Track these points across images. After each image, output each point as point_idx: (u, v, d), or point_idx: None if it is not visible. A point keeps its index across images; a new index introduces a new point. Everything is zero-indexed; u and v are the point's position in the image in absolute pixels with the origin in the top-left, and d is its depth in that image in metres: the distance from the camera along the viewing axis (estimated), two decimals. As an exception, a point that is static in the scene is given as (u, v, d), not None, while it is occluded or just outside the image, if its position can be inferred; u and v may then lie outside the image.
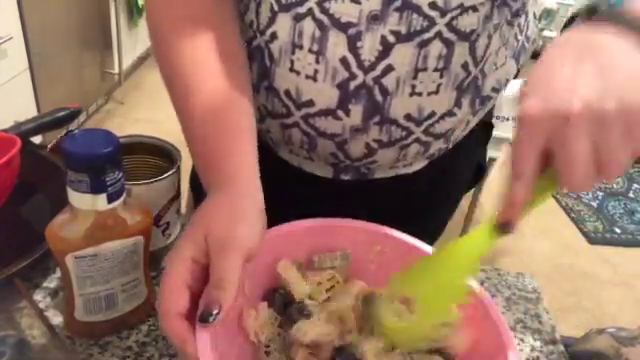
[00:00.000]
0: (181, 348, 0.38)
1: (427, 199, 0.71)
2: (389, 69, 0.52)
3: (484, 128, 0.72)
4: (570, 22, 0.45)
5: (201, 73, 0.51)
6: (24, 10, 1.74)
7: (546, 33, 4.07)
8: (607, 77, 0.36)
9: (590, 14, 0.41)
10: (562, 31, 0.44)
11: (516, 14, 0.57)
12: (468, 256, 0.44)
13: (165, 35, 0.52)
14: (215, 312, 0.38)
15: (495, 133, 0.79)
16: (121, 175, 0.42)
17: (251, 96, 0.53)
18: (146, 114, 2.64)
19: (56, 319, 0.50)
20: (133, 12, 2.67)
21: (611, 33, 0.39)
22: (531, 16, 0.62)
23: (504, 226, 0.41)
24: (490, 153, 1.74)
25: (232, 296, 0.39)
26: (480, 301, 0.47)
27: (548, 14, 3.96)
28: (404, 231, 0.53)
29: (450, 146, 0.64)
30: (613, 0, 0.40)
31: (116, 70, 2.60)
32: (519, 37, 0.60)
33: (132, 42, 2.76)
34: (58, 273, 0.55)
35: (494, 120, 0.76)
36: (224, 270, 0.39)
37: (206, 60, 0.51)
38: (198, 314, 0.38)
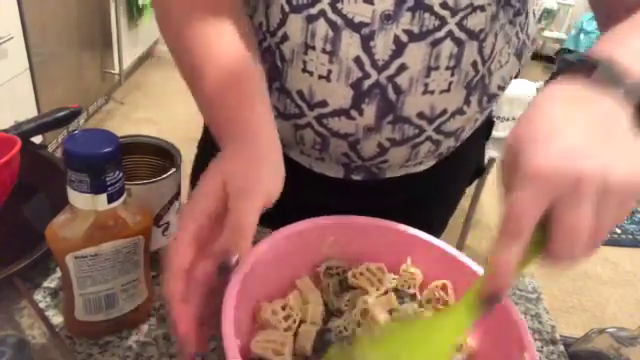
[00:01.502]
0: (173, 311, 0.38)
1: (432, 197, 0.71)
2: (403, 68, 0.53)
3: (485, 125, 0.73)
4: (561, 69, 0.44)
5: (215, 45, 0.49)
6: (24, 10, 1.74)
7: (546, 33, 4.08)
8: (614, 142, 0.34)
9: (587, 67, 0.38)
10: (552, 77, 0.41)
11: (517, 13, 0.58)
12: (443, 339, 0.37)
13: (176, 15, 0.52)
14: (235, 261, 0.38)
15: (495, 133, 0.79)
16: (121, 175, 0.42)
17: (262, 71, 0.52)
18: (146, 114, 2.65)
19: (56, 319, 0.50)
20: (133, 12, 2.67)
21: (607, 96, 0.36)
22: (531, 15, 0.63)
23: (493, 298, 0.35)
24: (490, 153, 1.74)
25: (250, 242, 0.38)
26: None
27: (548, 14, 3.97)
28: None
29: (458, 144, 0.65)
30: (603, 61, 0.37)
31: (116, 70, 2.61)
32: (520, 35, 0.61)
33: (132, 42, 2.76)
34: (58, 273, 0.55)
35: (494, 120, 0.77)
36: (244, 215, 0.38)
37: (220, 32, 0.50)
38: (218, 264, 0.38)
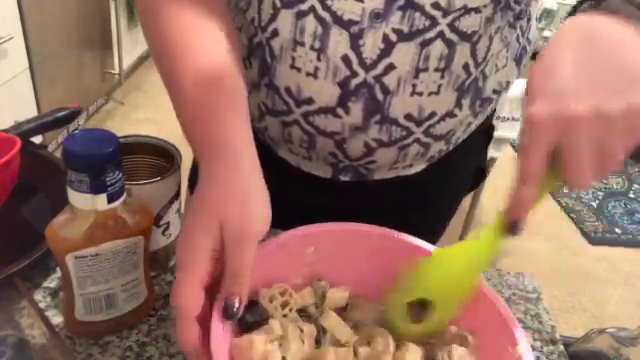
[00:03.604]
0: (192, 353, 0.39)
1: (426, 201, 0.70)
2: (390, 68, 0.52)
3: (485, 130, 0.72)
4: (576, 7, 0.45)
5: (191, 38, 0.48)
6: (24, 10, 1.74)
7: (546, 33, 4.07)
8: (612, 76, 0.37)
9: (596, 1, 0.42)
10: (567, 17, 0.44)
11: (519, 17, 0.57)
12: (478, 256, 0.44)
13: (153, 6, 0.51)
14: (236, 307, 0.40)
15: (495, 133, 0.79)
16: (121, 175, 0.42)
17: (242, 64, 0.51)
18: (146, 114, 2.65)
19: (56, 319, 0.50)
20: (133, 12, 2.67)
21: (616, 25, 0.40)
22: (533, 19, 0.62)
23: (513, 225, 0.42)
24: (490, 153, 1.74)
25: (248, 288, 0.40)
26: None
27: (548, 14, 3.97)
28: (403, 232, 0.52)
29: (451, 148, 0.64)
30: None
31: (116, 70, 2.60)
32: (520, 39, 0.60)
33: (132, 42, 2.76)
34: (58, 273, 0.55)
35: (494, 120, 0.76)
36: (241, 263, 0.39)
37: (196, 25, 0.49)
38: (221, 311, 0.40)
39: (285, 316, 0.47)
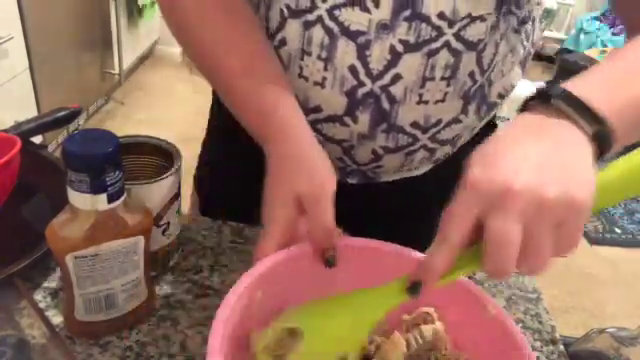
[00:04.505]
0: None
1: (430, 201, 0.71)
2: (397, 78, 0.53)
3: (488, 129, 0.72)
4: (527, 103, 0.43)
5: (232, 39, 0.53)
6: (24, 10, 1.74)
7: (546, 33, 4.07)
8: (556, 168, 0.36)
9: (547, 98, 0.40)
10: (520, 110, 0.42)
11: (523, 21, 0.57)
12: (369, 309, 0.41)
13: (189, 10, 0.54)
14: (333, 255, 0.45)
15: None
16: (121, 175, 0.42)
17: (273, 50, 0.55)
18: (146, 114, 2.65)
19: (56, 319, 0.50)
20: (133, 12, 2.67)
21: (567, 126, 0.38)
22: (537, 22, 0.62)
23: (414, 287, 0.38)
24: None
25: (334, 238, 0.45)
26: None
27: (548, 14, 3.97)
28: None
29: (456, 150, 0.64)
30: (562, 89, 0.39)
31: (116, 70, 2.60)
32: (525, 44, 0.60)
33: (132, 42, 2.76)
34: (58, 273, 0.55)
35: (497, 123, 0.76)
36: (325, 218, 0.45)
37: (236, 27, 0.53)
38: (325, 258, 0.45)
39: None
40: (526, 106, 0.42)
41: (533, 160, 0.36)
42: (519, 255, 0.34)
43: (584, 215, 0.35)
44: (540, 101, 0.40)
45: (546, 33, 4.12)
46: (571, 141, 0.38)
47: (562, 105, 0.39)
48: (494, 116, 0.72)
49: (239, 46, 0.52)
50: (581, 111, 0.38)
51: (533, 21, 0.60)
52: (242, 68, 0.52)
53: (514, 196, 0.34)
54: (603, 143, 0.38)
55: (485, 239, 0.35)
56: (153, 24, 2.99)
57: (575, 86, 0.40)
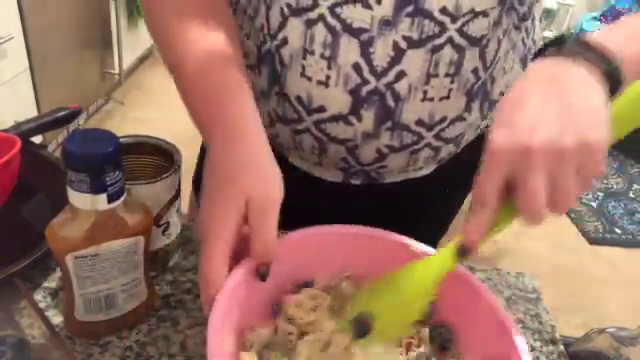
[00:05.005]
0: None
1: (435, 202, 0.71)
2: (401, 75, 0.53)
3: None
4: (541, 51, 0.47)
5: (194, 37, 0.51)
6: (24, 10, 1.74)
7: (546, 33, 4.07)
8: (569, 115, 0.39)
9: (560, 45, 0.43)
10: (533, 59, 0.46)
11: (523, 18, 0.57)
12: (427, 277, 0.44)
13: (167, 18, 0.53)
14: (266, 271, 0.44)
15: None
16: (121, 175, 0.42)
17: (242, 58, 0.54)
18: (146, 114, 2.64)
19: (56, 319, 0.50)
20: (133, 12, 2.67)
21: (577, 69, 0.41)
22: (537, 20, 0.62)
23: (465, 251, 0.42)
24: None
25: (274, 253, 0.44)
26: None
27: (548, 14, 3.96)
28: (409, 233, 0.52)
29: (460, 150, 0.64)
30: (576, 34, 0.43)
31: (116, 70, 2.60)
32: (526, 41, 0.60)
33: (132, 42, 2.76)
34: (58, 273, 0.55)
35: None
36: (268, 232, 0.43)
37: (201, 33, 0.52)
38: (256, 273, 0.44)
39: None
40: (539, 55, 0.45)
41: (546, 113, 0.39)
42: (549, 201, 0.38)
43: (601, 153, 0.38)
44: (554, 48, 0.43)
45: (546, 33, 4.11)
46: (581, 84, 0.41)
47: (574, 46, 0.42)
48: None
49: (202, 44, 0.51)
50: (591, 51, 0.42)
51: (533, 19, 0.60)
52: (197, 71, 0.50)
53: (535, 154, 0.38)
54: (613, 81, 0.41)
55: (517, 196, 0.39)
56: (153, 24, 2.98)
57: (586, 35, 0.43)
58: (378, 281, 0.46)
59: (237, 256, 0.43)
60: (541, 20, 0.63)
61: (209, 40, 0.51)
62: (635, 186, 2.78)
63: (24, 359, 0.43)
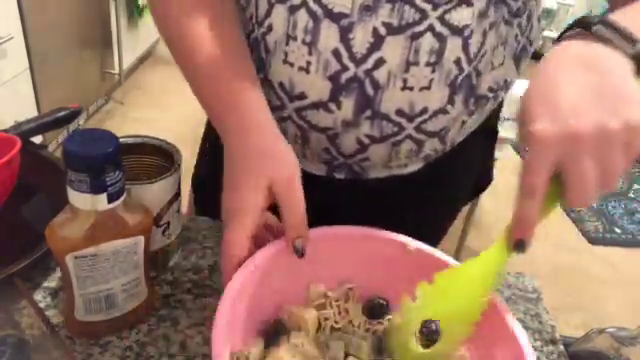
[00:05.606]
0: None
1: (422, 202, 0.70)
2: (380, 62, 0.52)
3: (487, 135, 0.72)
4: (567, 30, 0.47)
5: (205, 37, 0.54)
6: (24, 10, 1.74)
7: (546, 33, 4.06)
8: (610, 98, 0.39)
9: (588, 26, 0.43)
10: (560, 38, 0.46)
11: (516, 14, 0.56)
12: (485, 275, 0.45)
13: (176, 18, 0.55)
14: (302, 244, 0.46)
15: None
16: (121, 175, 0.42)
17: (248, 49, 0.57)
18: (146, 114, 2.64)
19: (56, 319, 0.50)
20: (133, 12, 2.67)
21: (610, 52, 0.42)
22: (535, 19, 0.61)
23: (519, 244, 0.43)
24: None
25: (307, 225, 0.47)
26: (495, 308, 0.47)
27: (548, 14, 3.96)
28: (397, 231, 0.52)
29: (447, 148, 0.64)
30: (600, 15, 0.44)
31: (116, 70, 2.60)
32: (519, 38, 0.59)
33: (132, 42, 2.76)
34: (58, 273, 0.55)
35: (498, 131, 0.75)
36: (298, 205, 0.46)
37: (209, 30, 0.54)
38: (293, 249, 0.46)
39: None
40: (563, 37, 0.46)
41: (587, 96, 0.40)
42: (597, 183, 0.39)
43: None
44: (579, 29, 0.44)
45: (546, 33, 4.11)
46: (615, 65, 0.41)
47: (602, 30, 0.43)
48: (495, 122, 0.71)
49: (212, 40, 0.53)
50: (621, 34, 0.42)
51: (530, 17, 0.59)
52: (210, 62, 0.53)
53: (582, 139, 0.38)
54: (639, 64, 0.42)
55: (567, 180, 0.40)
56: (153, 24, 2.98)
57: (610, 17, 0.44)
58: (427, 287, 0.46)
59: (257, 245, 0.46)
60: (539, 19, 0.63)
61: (219, 31, 0.54)
62: (635, 186, 2.79)
63: (24, 359, 0.43)
